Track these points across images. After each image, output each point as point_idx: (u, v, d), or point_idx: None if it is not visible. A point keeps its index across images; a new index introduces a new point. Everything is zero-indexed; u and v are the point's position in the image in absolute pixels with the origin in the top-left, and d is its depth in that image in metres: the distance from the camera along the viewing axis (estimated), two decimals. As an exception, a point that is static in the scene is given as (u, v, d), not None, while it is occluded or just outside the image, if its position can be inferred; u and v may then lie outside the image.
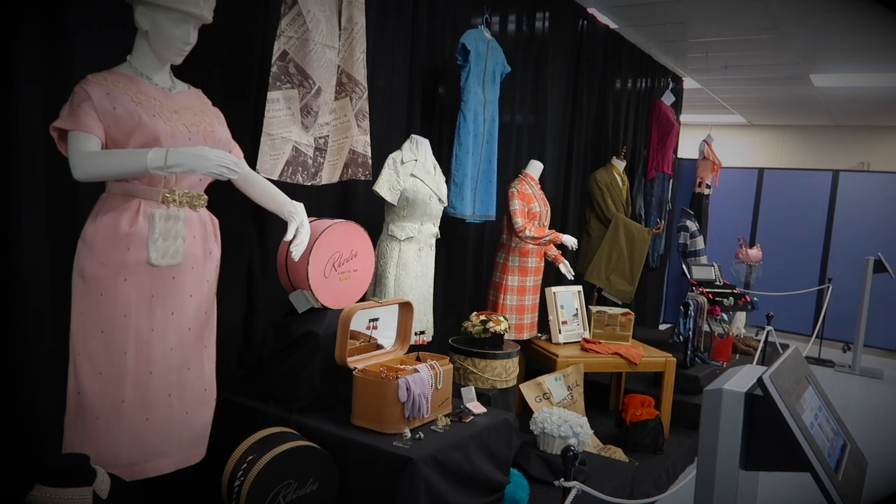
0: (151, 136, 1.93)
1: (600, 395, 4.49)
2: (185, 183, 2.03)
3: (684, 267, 5.73)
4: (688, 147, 7.74)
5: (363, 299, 2.83)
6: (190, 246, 2.03)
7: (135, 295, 1.94)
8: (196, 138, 2.03)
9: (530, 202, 3.96)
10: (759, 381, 1.45)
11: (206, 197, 2.12)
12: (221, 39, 2.67)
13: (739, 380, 1.62)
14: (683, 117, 7.43)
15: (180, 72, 2.18)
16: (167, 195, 1.98)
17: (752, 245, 7.06)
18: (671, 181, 6.31)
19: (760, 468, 1.59)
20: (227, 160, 1.91)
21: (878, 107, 8.17)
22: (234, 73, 2.81)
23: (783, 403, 1.43)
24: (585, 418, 3.23)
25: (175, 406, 2.04)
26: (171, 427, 2.04)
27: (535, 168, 4.12)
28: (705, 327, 5.02)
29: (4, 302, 2.16)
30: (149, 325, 1.97)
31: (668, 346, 4.64)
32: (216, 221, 2.18)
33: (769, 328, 5.35)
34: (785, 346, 5.86)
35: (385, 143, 3.41)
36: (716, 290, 5.23)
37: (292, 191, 2.71)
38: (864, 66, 6.29)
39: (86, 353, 1.92)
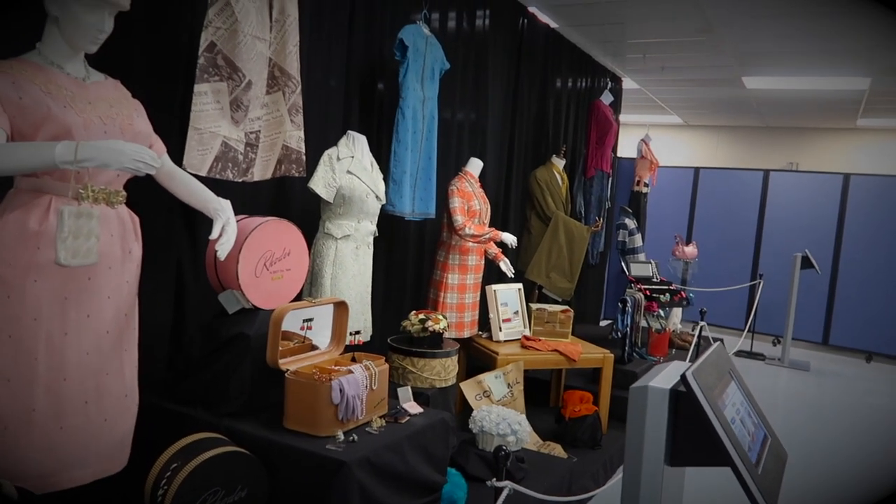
0: (62, 128, 1.82)
1: (540, 391, 4.53)
2: (102, 178, 1.92)
3: (623, 264, 5.83)
4: (627, 146, 7.90)
5: (297, 299, 2.76)
6: (106, 245, 1.93)
7: (46, 297, 1.83)
8: (112, 131, 1.93)
9: (470, 200, 3.95)
10: (682, 378, 1.46)
11: (124, 193, 2.02)
12: (145, 28, 2.56)
13: (666, 376, 1.64)
14: (622, 117, 7.57)
15: (100, 62, 2.07)
16: (80, 191, 1.87)
17: (688, 242, 7.25)
18: (610, 180, 6.41)
19: (685, 463, 1.61)
20: (144, 154, 1.82)
21: (805, 109, 8.51)
22: (160, 65, 2.69)
23: (705, 399, 1.44)
24: (524, 416, 3.24)
25: (92, 413, 1.94)
26: (89, 436, 1.93)
27: (475, 166, 4.11)
28: (643, 323, 5.12)
29: None
30: (62, 328, 1.86)
31: (608, 342, 4.71)
32: (136, 219, 2.08)
33: (702, 323, 5.50)
34: (720, 341, 6.03)
35: (321, 139, 3.34)
36: (653, 287, 5.33)
37: (224, 188, 2.62)
38: (793, 70, 6.54)
39: (-9, 360, 1.81)
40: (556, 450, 3.67)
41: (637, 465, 1.54)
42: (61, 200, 1.85)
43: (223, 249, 2.13)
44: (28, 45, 1.93)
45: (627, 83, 7.57)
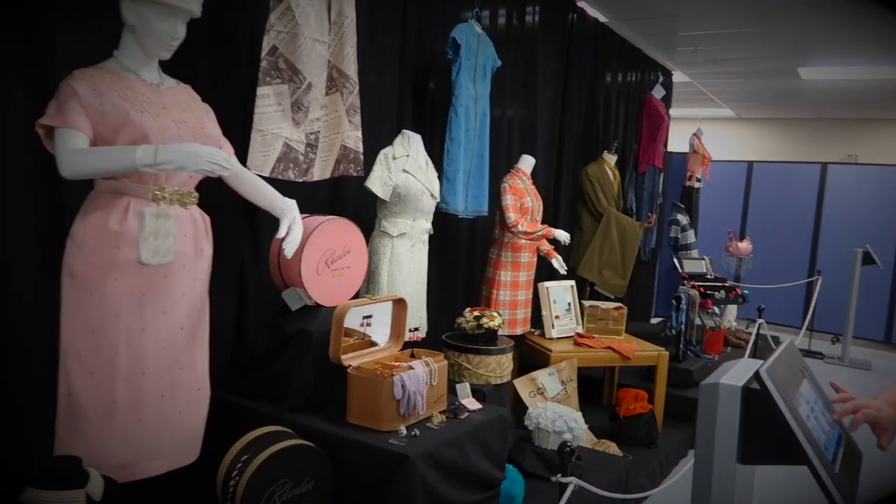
0: (139, 132, 1.90)
1: (594, 389, 4.50)
2: (176, 180, 2.00)
3: (675, 261, 5.74)
4: (678, 141, 7.76)
5: (356, 296, 2.81)
6: (181, 244, 2.01)
7: (125, 294, 1.91)
8: (185, 135, 2.00)
9: (522, 197, 3.95)
10: (756, 375, 1.45)
11: (196, 194, 2.10)
12: (210, 34, 2.64)
13: (735, 374, 1.62)
14: (673, 111, 7.44)
15: (168, 67, 2.15)
16: (157, 193, 1.95)
17: (742, 238, 7.09)
18: (662, 175, 6.32)
19: (757, 462, 1.59)
20: (218, 157, 1.88)
21: (865, 99, 8.22)
22: (223, 69, 2.77)
23: (780, 397, 1.42)
24: (580, 413, 3.23)
25: (168, 406, 2.02)
26: (165, 428, 2.01)
27: (527, 163, 4.11)
28: (697, 321, 5.04)
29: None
30: (140, 324, 1.94)
31: (661, 339, 4.65)
32: (207, 219, 2.15)
33: (760, 321, 5.38)
34: (776, 339, 5.90)
35: (376, 138, 3.39)
36: (707, 284, 5.24)
37: (283, 187, 2.68)
38: (851, 60, 6.32)
39: (76, 354, 1.90)
40: (611, 448, 3.65)
41: (708, 464, 1.53)
42: (139, 202, 1.93)
43: (290, 248, 2.19)
44: (106, 53, 2.02)
45: (678, 76, 7.45)
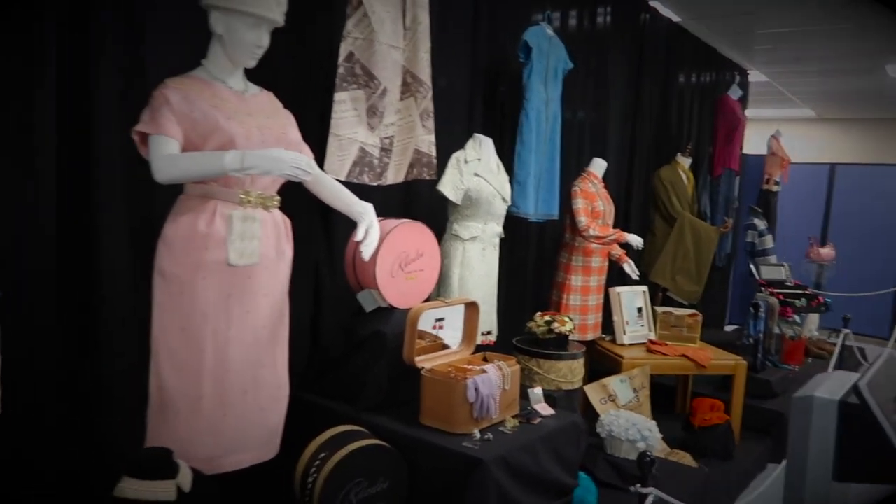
0: (227, 138, 1.97)
1: (666, 397, 4.38)
2: (259, 184, 2.06)
3: (752, 267, 5.54)
4: (755, 142, 7.48)
5: (428, 299, 2.83)
6: (264, 246, 2.07)
7: (212, 293, 1.99)
8: (269, 140, 2.06)
9: (594, 201, 3.90)
10: (855, 389, 1.38)
11: (278, 198, 2.16)
12: (289, 41, 2.71)
13: (829, 387, 1.54)
14: (750, 112, 7.19)
15: (251, 74, 2.22)
16: (242, 196, 2.02)
17: (823, 244, 6.78)
18: (738, 178, 6.11)
19: (853, 480, 1.51)
20: (301, 162, 1.93)
21: (960, 97, 7.73)
22: (301, 75, 2.85)
23: (881, 413, 1.35)
24: (654, 422, 3.15)
25: (251, 403, 2.08)
26: (248, 423, 2.08)
27: (599, 166, 4.05)
28: (776, 329, 4.84)
29: (87, 301, 2.25)
30: (226, 323, 2.01)
31: (737, 348, 4.49)
32: (288, 222, 2.21)
33: (846, 331, 5.12)
34: (861, 350, 5.60)
35: (448, 142, 3.40)
36: (787, 291, 5.04)
37: (357, 190, 2.73)
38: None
39: (167, 350, 1.98)
40: (686, 459, 3.54)
41: (801, 481, 1.46)
42: (225, 205, 2.00)
43: (367, 250, 2.23)
44: (193, 62, 2.11)
45: (755, 76, 7.19)
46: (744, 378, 3.89)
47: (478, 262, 3.18)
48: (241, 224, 1.98)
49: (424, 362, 2.51)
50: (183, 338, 1.98)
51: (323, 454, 2.16)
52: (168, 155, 1.90)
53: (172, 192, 2.11)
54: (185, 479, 1.74)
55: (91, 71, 2.19)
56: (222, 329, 2.01)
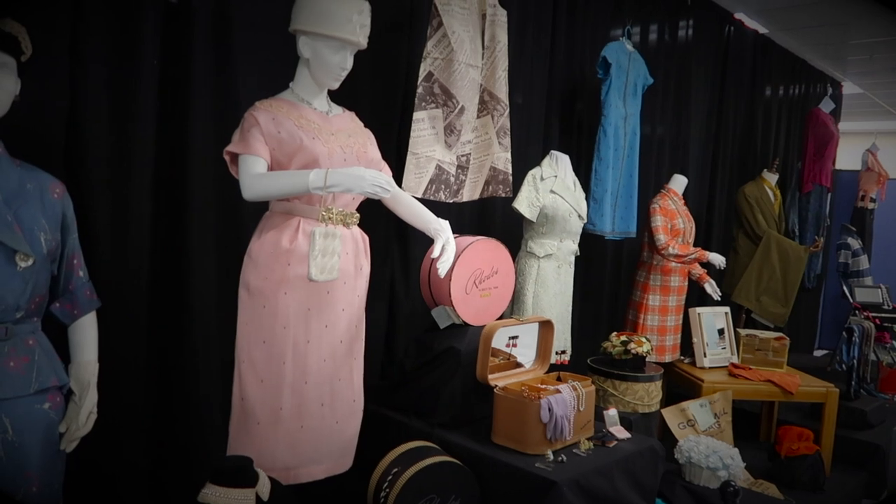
0: (311, 157, 2.04)
1: (749, 424, 4.18)
2: (340, 201, 2.12)
3: (845, 288, 5.25)
4: (847, 157, 7.10)
5: (502, 317, 2.83)
6: (343, 262, 2.12)
7: (293, 308, 2.05)
8: (350, 159, 2.12)
9: (673, 218, 3.80)
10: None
11: (358, 215, 2.21)
12: (369, 63, 2.79)
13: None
14: (843, 125, 6.84)
15: (333, 94, 2.29)
16: (324, 213, 2.08)
17: (925, 265, 6.34)
18: (830, 195, 5.81)
19: (962, 524, 1.40)
20: (382, 180, 1.98)
21: None
22: (381, 95, 2.92)
23: None
24: (737, 449, 3.02)
25: (327, 415, 2.13)
26: (324, 435, 2.13)
27: (679, 183, 3.95)
28: (871, 356, 4.55)
29: (177, 313, 2.37)
30: (305, 336, 2.07)
31: (827, 374, 4.24)
32: (366, 238, 2.26)
33: (950, 359, 4.76)
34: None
35: (524, 159, 3.41)
36: (885, 315, 4.73)
37: (433, 208, 2.77)
38: None
39: (249, 362, 2.06)
40: (771, 489, 3.37)
41: (901, 521, 1.37)
42: (308, 222, 2.07)
43: (443, 267, 2.24)
44: (279, 84, 2.20)
45: (848, 88, 6.85)
46: (835, 406, 3.68)
47: (552, 279, 3.15)
48: (322, 240, 2.04)
49: (498, 380, 2.50)
50: (265, 350, 2.05)
51: (396, 469, 2.17)
52: (257, 174, 1.98)
53: (257, 209, 2.20)
54: (264, 487, 1.80)
55: (186, 94, 2.32)
56: (302, 342, 2.06)
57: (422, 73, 2.75)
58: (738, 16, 4.98)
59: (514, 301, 3.14)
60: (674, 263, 3.79)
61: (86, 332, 1.75)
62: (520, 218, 3.19)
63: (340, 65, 2.10)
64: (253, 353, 2.06)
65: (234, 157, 2.05)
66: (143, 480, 2.31)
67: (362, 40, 2.12)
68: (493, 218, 3.43)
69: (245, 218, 2.40)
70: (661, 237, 3.72)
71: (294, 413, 2.07)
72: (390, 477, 2.16)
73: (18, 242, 1.54)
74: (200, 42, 2.33)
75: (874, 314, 4.75)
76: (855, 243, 5.57)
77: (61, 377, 1.66)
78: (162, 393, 2.37)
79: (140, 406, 2.29)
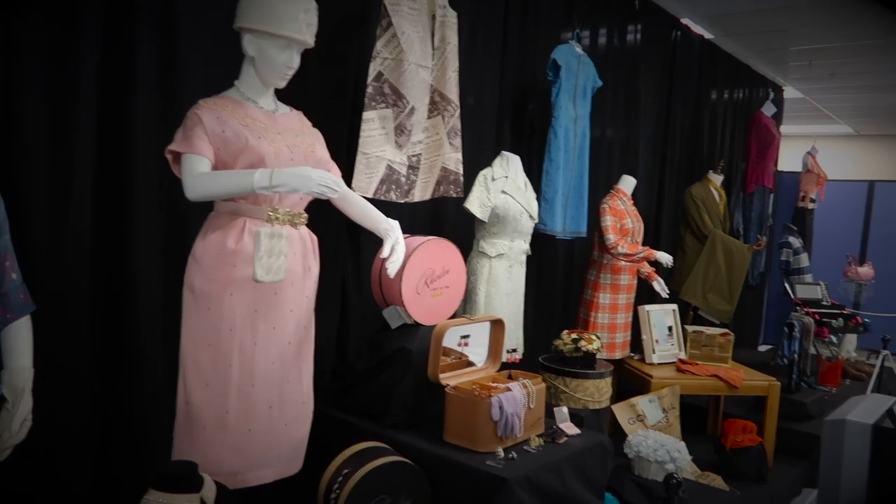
0: (257, 157, 2.01)
1: (697, 418, 4.29)
2: (287, 202, 2.09)
3: (787, 285, 5.43)
4: (788, 159, 7.36)
5: (454, 316, 2.83)
6: (291, 262, 2.10)
7: (240, 309, 2.02)
8: (297, 159, 2.10)
9: (623, 218, 3.87)
10: (890, 413, 1.34)
11: (306, 215, 2.19)
12: (317, 62, 2.76)
13: (863, 410, 1.51)
14: (784, 128, 7.08)
15: (280, 93, 2.26)
16: (270, 213, 2.05)
17: (862, 263, 6.61)
18: (772, 195, 6.01)
19: (888, 507, 1.47)
20: (329, 180, 1.96)
21: None
22: (330, 95, 2.89)
23: (916, 438, 1.31)
24: (683, 443, 3.10)
25: (275, 418, 2.10)
26: (272, 438, 2.10)
27: (628, 183, 4.03)
28: (811, 350, 4.72)
29: (119, 315, 2.30)
30: (252, 338, 2.04)
31: (770, 368, 4.39)
32: (315, 239, 2.24)
33: (885, 352, 4.97)
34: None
35: (475, 160, 3.42)
36: (823, 311, 4.91)
37: (384, 208, 2.76)
38: None
39: (194, 365, 2.02)
40: (717, 481, 3.46)
41: (832, 506, 1.42)
42: (254, 222, 2.04)
43: (393, 267, 2.24)
44: (225, 83, 2.16)
45: (789, 92, 7.09)
46: (777, 399, 3.81)
47: (504, 279, 3.17)
48: (268, 241, 2.02)
49: (449, 379, 2.51)
50: (210, 353, 2.01)
51: (346, 470, 2.16)
52: (199, 173, 1.94)
53: (202, 210, 2.16)
54: (209, 492, 1.76)
55: (129, 92, 2.26)
56: (248, 344, 2.03)
57: (371, 73, 2.74)
58: (685, 21, 5.11)
59: (465, 301, 3.15)
60: (623, 262, 3.86)
61: (19, 337, 1.68)
62: (471, 218, 3.21)
63: (287, 63, 2.07)
64: (198, 356, 2.02)
65: (177, 156, 2.00)
66: (84, 490, 2.24)
67: (309, 39, 2.10)
68: (446, 218, 3.44)
69: (189, 218, 2.35)
70: (611, 236, 3.79)
71: (241, 417, 2.04)
72: (340, 478, 2.15)
73: (-55, 244, 1.48)
74: (143, 37, 2.27)
75: (814, 310, 4.93)
76: (796, 242, 5.77)
77: (-7, 383, 1.60)
78: (103, 399, 2.30)
79: (80, 413, 2.22)
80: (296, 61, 2.11)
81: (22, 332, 1.69)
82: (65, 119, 2.13)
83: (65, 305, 2.14)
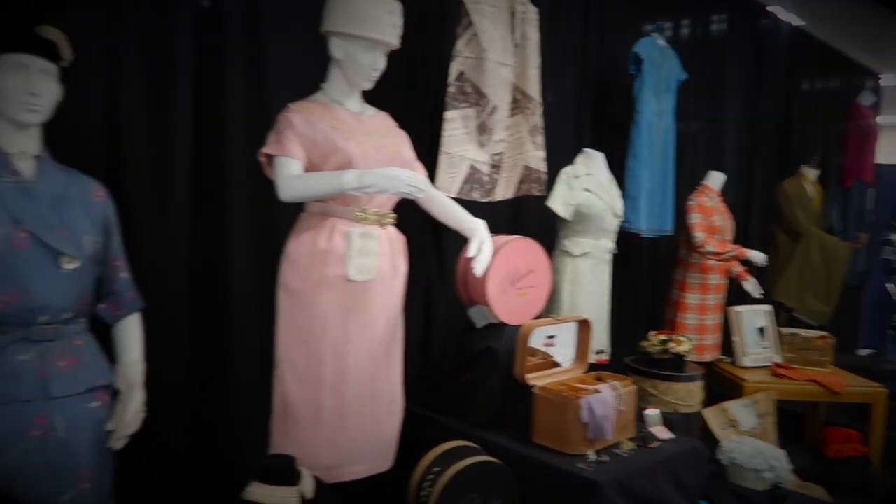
0: (345, 158, 2.04)
1: (793, 425, 4.08)
2: (376, 202, 2.12)
3: (891, 286, 5.09)
4: (889, 152, 6.91)
5: (539, 316, 2.80)
6: (380, 262, 2.12)
7: (331, 308, 2.06)
8: (384, 159, 2.12)
9: (711, 215, 3.73)
10: None
11: (393, 215, 2.21)
12: (399, 63, 2.78)
13: None
14: (882, 118, 6.66)
15: (365, 95, 2.29)
16: (359, 214, 2.08)
17: (975, 261, 6.12)
18: (871, 190, 5.66)
19: None
20: (417, 180, 1.97)
21: None
22: (412, 95, 2.92)
23: None
24: (783, 451, 2.94)
25: (367, 415, 2.13)
26: (364, 435, 2.13)
27: (716, 179, 3.88)
28: (920, 354, 4.41)
29: (216, 315, 2.40)
30: (344, 337, 2.07)
31: (874, 374, 4.12)
32: (402, 238, 2.26)
33: None
34: None
35: (557, 157, 3.37)
36: (932, 312, 4.58)
37: (466, 208, 2.75)
38: None
39: (289, 362, 2.07)
40: (818, 492, 3.27)
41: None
42: (343, 222, 2.07)
43: (479, 267, 2.23)
44: (312, 86, 2.21)
45: (888, 80, 6.67)
46: (884, 407, 3.57)
47: (588, 278, 3.11)
48: (359, 241, 2.05)
49: (536, 380, 2.47)
50: (305, 350, 2.06)
51: (437, 468, 2.16)
52: (292, 175, 1.99)
53: (292, 211, 2.21)
54: (307, 486, 1.80)
55: (222, 97, 2.35)
56: (340, 342, 2.07)
57: (453, 73, 2.75)
58: (772, 8, 4.90)
59: (550, 300, 3.10)
60: (712, 261, 3.73)
61: (131, 333, 1.78)
62: (554, 217, 3.17)
63: (372, 65, 2.10)
64: (293, 353, 2.07)
65: (270, 158, 2.06)
66: (186, 478, 2.34)
67: (394, 40, 2.12)
68: (528, 217, 3.41)
69: (279, 219, 2.42)
70: (699, 235, 3.66)
71: (334, 413, 2.07)
72: (431, 476, 2.15)
73: (64, 245, 1.57)
74: (233, 45, 2.36)
75: (921, 311, 4.61)
76: (899, 239, 5.42)
77: (108, 376, 1.69)
78: (204, 393, 2.39)
79: (182, 406, 2.32)
80: (381, 63, 2.14)
81: (133, 329, 1.78)
82: (162, 124, 2.24)
83: (167, 305, 2.24)
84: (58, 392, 1.56)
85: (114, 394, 1.72)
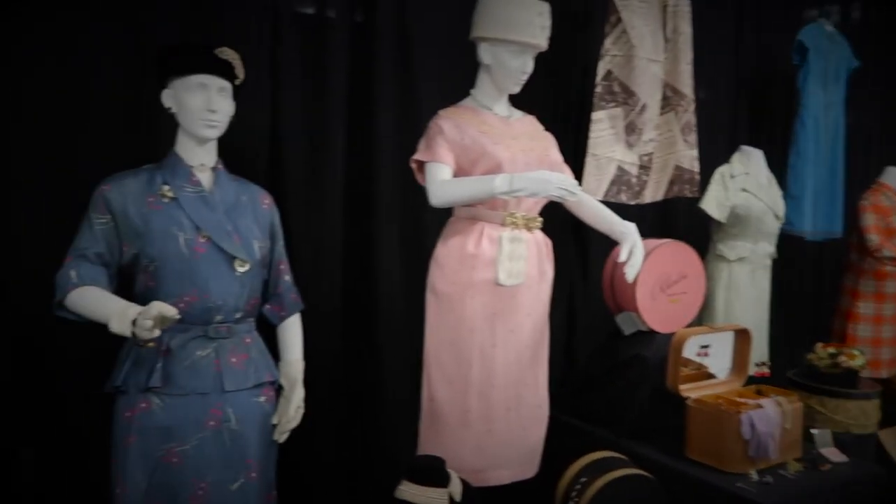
0: (494, 162, 2.04)
1: None
2: (524, 206, 2.11)
3: None
4: None
5: (692, 324, 2.65)
6: (528, 266, 2.11)
7: (479, 312, 2.07)
8: (532, 163, 2.10)
9: (888, 216, 3.38)
10: None
11: (540, 219, 2.19)
12: (542, 64, 2.75)
13: None
14: None
15: (511, 98, 2.29)
16: (507, 218, 2.07)
17: None
18: None
19: None
20: (567, 183, 1.94)
21: None
22: (555, 96, 2.88)
23: None
24: (983, 484, 2.59)
25: (513, 420, 2.12)
26: (510, 440, 2.12)
27: (894, 176, 3.50)
28: None
29: (366, 317, 2.49)
30: (491, 340, 2.08)
31: None
32: (549, 243, 2.23)
33: None
34: None
35: (710, 156, 3.18)
36: None
37: (614, 210, 2.67)
38: None
39: (438, 364, 2.10)
40: None
41: None
42: (492, 227, 2.08)
43: (631, 271, 2.15)
44: (458, 91, 2.24)
45: None
46: None
47: (746, 285, 2.92)
48: (509, 245, 2.04)
49: (690, 391, 2.34)
50: (453, 352, 2.08)
51: (584, 479, 2.10)
52: (443, 181, 2.02)
53: (438, 215, 2.25)
54: (455, 488, 1.82)
55: (373, 106, 2.45)
56: (488, 346, 2.07)
57: (600, 72, 2.68)
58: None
59: (703, 308, 2.93)
60: (889, 267, 3.36)
61: (293, 333, 1.89)
62: (706, 219, 2.99)
63: (521, 69, 2.09)
64: (441, 355, 2.10)
65: (421, 164, 2.11)
66: (338, 475, 2.45)
67: (543, 42, 2.10)
68: (677, 219, 3.25)
69: (426, 224, 2.47)
70: (874, 237, 3.32)
71: (481, 416, 2.08)
72: (578, 486, 2.10)
73: (237, 250, 1.70)
74: (384, 57, 2.45)
75: None
76: None
77: (274, 373, 1.80)
78: (354, 392, 2.49)
79: (334, 404, 2.43)
80: (530, 66, 2.12)
81: (295, 329, 1.89)
82: (318, 135, 2.37)
83: (320, 307, 2.35)
84: (230, 386, 1.68)
85: (278, 390, 1.83)
